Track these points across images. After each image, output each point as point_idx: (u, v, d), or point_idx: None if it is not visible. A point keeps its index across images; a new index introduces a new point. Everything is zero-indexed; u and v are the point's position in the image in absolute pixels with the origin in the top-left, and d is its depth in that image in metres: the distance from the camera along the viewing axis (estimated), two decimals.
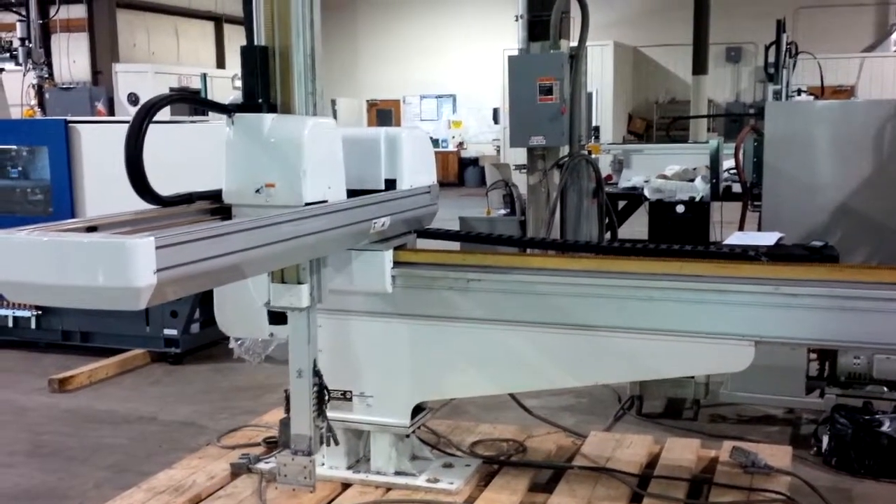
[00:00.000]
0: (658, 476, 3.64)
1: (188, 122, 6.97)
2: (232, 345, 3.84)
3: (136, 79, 14.24)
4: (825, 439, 4.32)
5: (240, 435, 4.15)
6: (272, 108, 2.95)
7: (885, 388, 4.50)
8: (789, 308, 2.86)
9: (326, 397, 3.16)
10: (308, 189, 2.85)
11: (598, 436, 4.13)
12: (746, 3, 17.19)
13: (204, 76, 14.22)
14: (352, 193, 3.13)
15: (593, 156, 7.16)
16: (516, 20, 6.55)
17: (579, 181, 6.67)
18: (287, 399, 3.18)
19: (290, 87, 2.97)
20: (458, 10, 20.47)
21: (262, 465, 3.67)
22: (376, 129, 3.50)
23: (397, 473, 3.55)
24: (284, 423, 3.18)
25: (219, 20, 18.68)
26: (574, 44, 6.58)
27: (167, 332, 6.23)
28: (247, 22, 3.05)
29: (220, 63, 18.61)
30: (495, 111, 19.32)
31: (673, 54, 18.11)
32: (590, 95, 13.13)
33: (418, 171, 3.52)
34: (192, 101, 3.47)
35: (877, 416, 4.26)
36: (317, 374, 3.12)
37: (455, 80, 20.86)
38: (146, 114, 2.57)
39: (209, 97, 13.64)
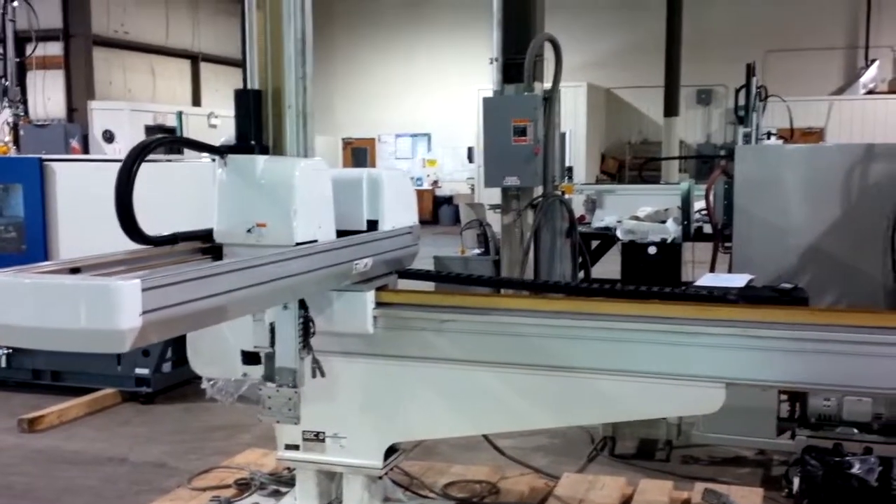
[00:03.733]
0: None
1: (164, 160, 6.98)
2: (204, 385, 3.81)
3: (112, 116, 14.21)
4: (796, 481, 4.33)
5: (211, 476, 4.11)
6: (264, 150, 3.00)
7: (856, 430, 4.54)
8: (759, 350, 2.88)
9: (312, 329, 3.12)
10: (299, 229, 2.88)
11: (571, 477, 4.14)
12: (717, 47, 17.53)
13: (180, 114, 14.24)
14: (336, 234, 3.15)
15: (567, 196, 7.23)
16: (491, 63, 6.64)
17: (553, 221, 6.71)
18: (272, 332, 3.12)
19: (282, 130, 3.02)
20: (433, 49, 20.68)
21: None
22: (358, 171, 3.53)
23: None
24: (269, 357, 3.13)
25: (195, 58, 18.72)
26: (548, 86, 6.67)
27: (138, 371, 6.18)
28: (244, 65, 3.11)
29: (196, 101, 18.62)
30: (470, 150, 19.44)
31: (645, 96, 18.38)
32: (563, 136, 13.27)
33: (400, 212, 3.54)
34: (185, 144, 3.47)
35: (847, 458, 4.29)
36: (302, 306, 3.09)
37: (430, 118, 21.00)
38: (139, 154, 2.59)
39: (184, 135, 13.68)
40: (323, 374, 3.20)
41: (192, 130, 13.81)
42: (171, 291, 2.17)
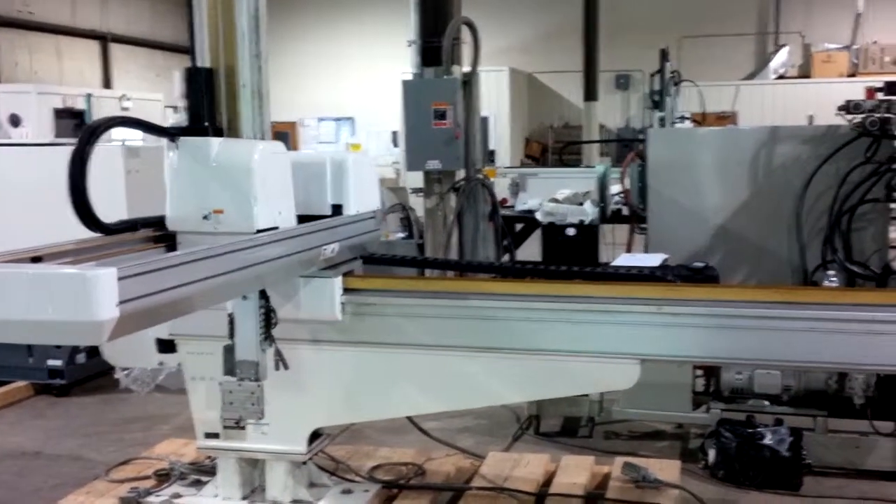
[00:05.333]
0: (553, 494, 3.72)
1: (70, 144, 6.73)
2: (118, 375, 3.74)
3: (18, 99, 13.60)
4: (711, 453, 4.48)
5: (129, 468, 4.02)
6: (218, 132, 2.90)
7: (766, 402, 4.71)
8: (672, 327, 2.95)
9: (274, 320, 3.05)
10: (260, 215, 2.82)
11: (496, 456, 4.19)
12: (634, 32, 17.78)
13: (88, 96, 13.75)
14: (298, 219, 3.10)
15: (489, 179, 7.27)
16: (409, 46, 6.61)
17: (475, 204, 6.74)
18: (231, 323, 3.02)
19: (237, 111, 2.93)
20: (356, 31, 20.47)
21: (152, 499, 3.57)
22: (321, 154, 3.49)
23: (294, 502, 3.50)
24: (228, 350, 3.04)
25: (104, 39, 18.10)
26: (467, 69, 6.68)
27: (51, 362, 5.99)
28: (191, 43, 3.00)
29: (107, 83, 18.04)
30: (394, 134, 19.34)
31: (566, 81, 18.53)
32: (486, 120, 13.26)
33: (364, 197, 3.50)
34: (134, 125, 3.27)
35: (759, 430, 4.45)
36: (263, 295, 3.01)
37: (354, 102, 20.79)
38: (89, 138, 2.49)
39: (94, 118, 13.22)
40: (286, 367, 3.12)
41: (102, 113, 13.36)
42: (148, 280, 2.09)
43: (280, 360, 3.12)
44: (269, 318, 3.04)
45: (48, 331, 1.98)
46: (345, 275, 3.28)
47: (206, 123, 2.89)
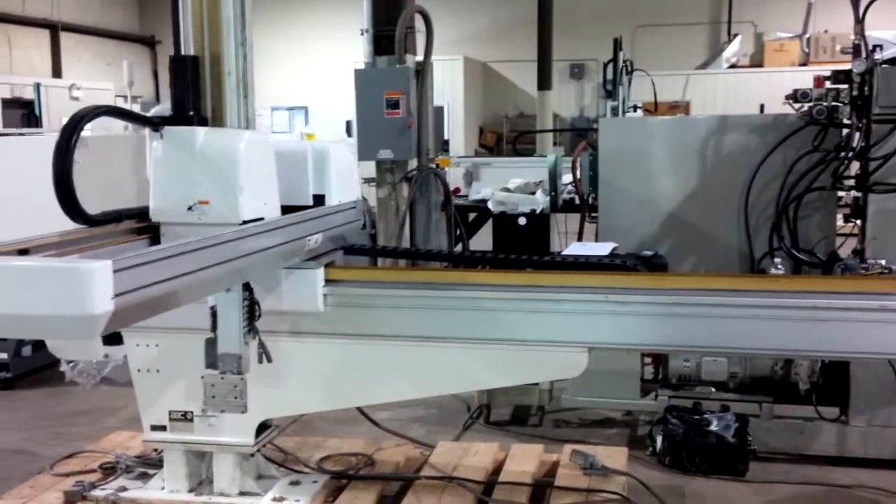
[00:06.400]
0: (502, 482, 3.73)
1: (17, 134, 6.60)
2: (63, 367, 3.67)
3: None
4: (659, 440, 4.54)
5: (74, 462, 3.96)
6: (203, 121, 2.86)
7: (713, 389, 4.78)
8: (620, 315, 2.97)
9: (258, 312, 3.02)
10: (245, 206, 2.78)
11: (445, 446, 4.19)
12: (588, 22, 17.88)
13: (37, 86, 13.48)
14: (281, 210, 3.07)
15: (443, 169, 7.26)
16: (362, 34, 6.57)
17: (428, 194, 6.74)
18: (213, 316, 2.98)
19: (221, 100, 2.89)
20: (309, 20, 20.31)
21: (97, 493, 3.52)
22: (302, 143, 3.45)
23: (241, 494, 3.48)
24: (210, 342, 2.98)
25: (55, 28, 17.74)
26: (420, 58, 6.66)
27: None
28: (175, 31, 2.94)
29: (57, 72, 17.69)
30: (348, 124, 19.22)
31: (520, 70, 18.57)
32: (440, 109, 13.22)
33: (345, 187, 3.48)
34: (118, 115, 3.17)
35: (705, 416, 4.52)
36: (246, 287, 2.97)
37: (307, 91, 20.64)
38: (74, 128, 2.44)
39: (43, 107, 12.96)
40: (270, 360, 3.09)
41: (52, 103, 13.12)
42: (142, 273, 2.05)
43: (264, 353, 3.08)
44: (252, 311, 3.01)
45: (39, 325, 1.93)
46: (327, 266, 3.25)
47: (191, 112, 2.85)
